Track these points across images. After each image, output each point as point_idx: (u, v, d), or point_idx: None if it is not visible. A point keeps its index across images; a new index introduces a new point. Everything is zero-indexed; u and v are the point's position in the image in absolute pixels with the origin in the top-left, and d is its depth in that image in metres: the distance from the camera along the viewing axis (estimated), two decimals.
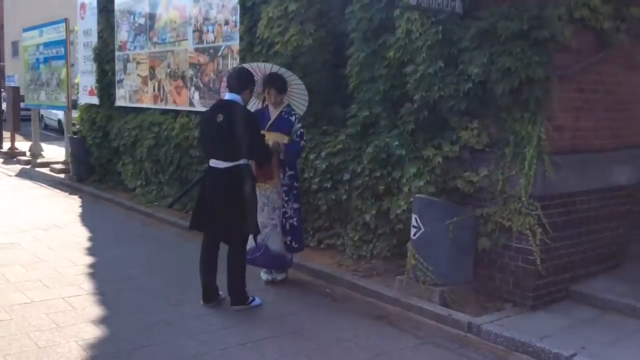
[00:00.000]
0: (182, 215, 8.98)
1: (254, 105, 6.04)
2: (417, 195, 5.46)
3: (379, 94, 6.14)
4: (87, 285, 5.80)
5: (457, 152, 5.40)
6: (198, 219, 5.28)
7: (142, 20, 10.27)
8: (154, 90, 10.15)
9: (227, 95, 5.16)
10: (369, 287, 5.66)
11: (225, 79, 5.86)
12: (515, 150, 5.10)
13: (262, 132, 5.50)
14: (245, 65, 5.92)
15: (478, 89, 5.22)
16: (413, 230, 5.43)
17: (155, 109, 10.16)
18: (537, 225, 5.00)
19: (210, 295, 5.29)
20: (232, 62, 8.27)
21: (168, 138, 9.57)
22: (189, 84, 9.25)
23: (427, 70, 5.49)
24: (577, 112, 5.40)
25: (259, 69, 5.84)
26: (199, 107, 8.99)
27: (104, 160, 11.68)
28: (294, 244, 5.88)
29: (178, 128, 9.23)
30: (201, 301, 5.30)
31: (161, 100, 9.98)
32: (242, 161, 5.11)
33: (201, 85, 8.97)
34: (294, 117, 5.79)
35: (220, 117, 5.04)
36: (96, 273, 6.21)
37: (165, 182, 9.89)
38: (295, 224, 5.88)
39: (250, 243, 5.69)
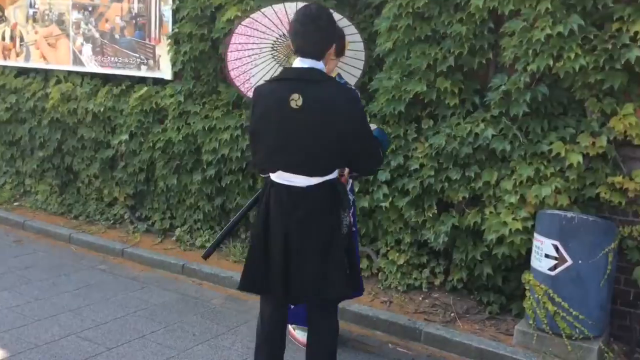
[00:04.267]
0: (70, 222, 6.29)
1: (268, 74, 3.84)
2: (554, 211, 3.79)
3: (446, 60, 4.28)
4: None
5: (604, 147, 3.81)
6: (257, 274, 3.00)
7: None
8: (2, 39, 6.99)
9: (302, 62, 2.89)
10: (471, 343, 3.89)
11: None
12: None
13: None
14: (275, 7, 3.63)
15: None
16: (546, 262, 3.76)
17: (6, 68, 7.02)
18: None
19: None
20: (159, 3, 5.69)
21: (35, 111, 6.63)
22: (72, 33, 6.38)
23: (556, 28, 3.77)
24: None
25: (285, 12, 3.61)
26: (93, 67, 6.23)
27: None
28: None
29: (56, 97, 6.33)
30: None
31: (18, 56, 6.88)
32: (334, 174, 2.96)
33: (97, 35, 6.18)
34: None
35: (297, 100, 2.76)
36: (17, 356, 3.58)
37: (30, 173, 6.93)
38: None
39: None
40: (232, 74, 3.86)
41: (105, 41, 6.11)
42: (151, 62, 5.80)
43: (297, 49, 2.85)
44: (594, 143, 3.81)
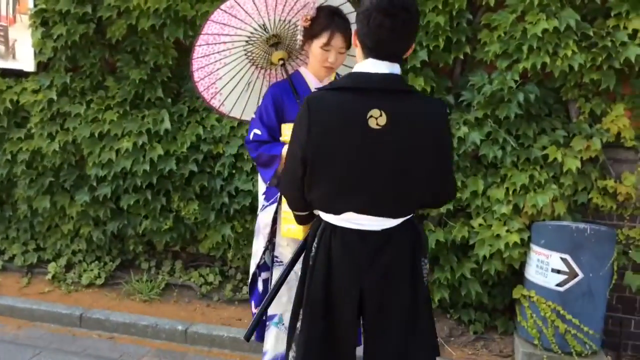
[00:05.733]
0: None
1: (237, 76, 3.01)
2: (561, 222, 3.51)
3: (417, 55, 3.75)
4: None
5: (598, 151, 3.61)
6: (321, 354, 2.20)
7: None
8: None
9: (376, 65, 2.05)
10: None
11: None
12: None
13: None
14: None
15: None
16: (553, 278, 3.47)
17: None
18: None
19: None
20: None
21: None
22: None
23: (551, 23, 3.45)
24: None
25: None
26: None
27: None
28: None
29: None
30: None
31: None
32: (412, 214, 2.28)
33: None
34: None
35: (379, 118, 2.02)
36: None
37: None
38: None
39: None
40: (196, 75, 2.92)
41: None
42: (2, 48, 4.36)
43: (374, 47, 2.07)
44: (588, 147, 3.59)
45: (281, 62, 2.94)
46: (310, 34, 2.76)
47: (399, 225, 2.18)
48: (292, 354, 2.29)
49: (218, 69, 2.95)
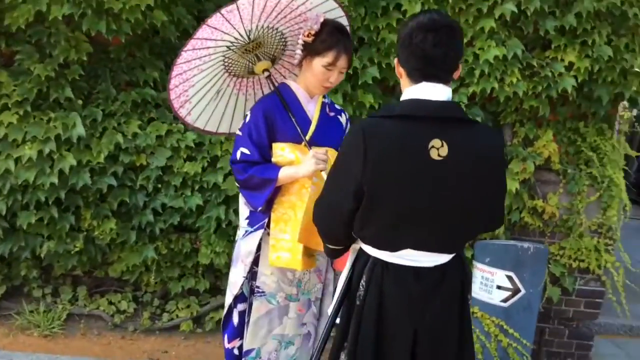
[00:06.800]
0: None
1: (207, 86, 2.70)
2: (507, 241, 3.64)
3: (367, 72, 3.66)
4: None
5: (531, 173, 3.81)
6: None
7: None
8: None
9: (430, 89, 1.93)
10: None
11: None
12: (601, 172, 3.95)
13: (292, 145, 2.58)
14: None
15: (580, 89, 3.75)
16: (498, 294, 3.59)
17: None
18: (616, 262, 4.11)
19: None
20: None
21: None
22: None
23: (500, 50, 3.56)
24: None
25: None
26: None
27: None
28: None
29: None
30: None
31: None
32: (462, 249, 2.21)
33: None
34: (344, 117, 2.85)
35: (440, 149, 1.89)
36: None
37: None
38: None
39: None
40: (172, 82, 2.57)
41: None
42: None
43: (420, 65, 1.92)
44: (524, 169, 3.79)
45: (266, 73, 2.68)
46: (313, 50, 2.53)
47: (451, 261, 2.09)
48: None
49: (194, 76, 2.62)
